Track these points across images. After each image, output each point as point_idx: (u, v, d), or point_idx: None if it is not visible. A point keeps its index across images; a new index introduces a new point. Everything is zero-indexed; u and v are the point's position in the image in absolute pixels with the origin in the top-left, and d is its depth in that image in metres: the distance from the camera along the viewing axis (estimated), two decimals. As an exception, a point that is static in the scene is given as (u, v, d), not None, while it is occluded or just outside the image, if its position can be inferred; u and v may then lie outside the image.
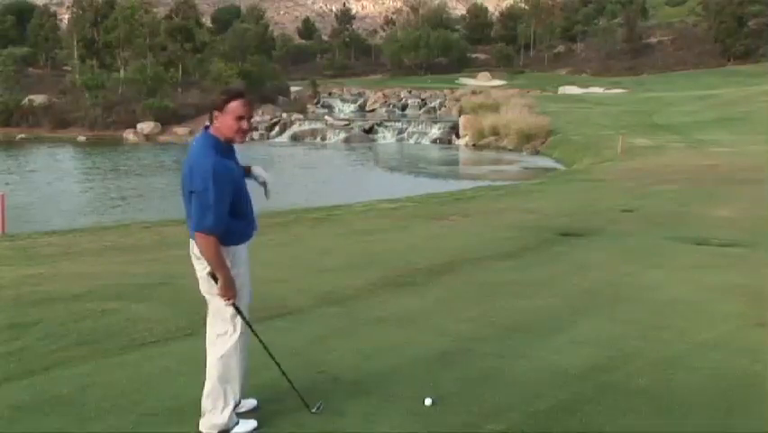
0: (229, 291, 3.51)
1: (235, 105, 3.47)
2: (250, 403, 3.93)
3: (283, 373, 3.82)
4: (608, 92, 70.27)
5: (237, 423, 3.67)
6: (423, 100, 71.65)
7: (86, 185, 29.49)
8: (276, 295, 6.30)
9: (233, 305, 3.57)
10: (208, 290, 3.59)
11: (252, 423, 3.72)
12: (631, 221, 11.33)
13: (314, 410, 3.77)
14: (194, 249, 3.58)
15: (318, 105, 72.28)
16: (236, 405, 3.71)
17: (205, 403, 3.63)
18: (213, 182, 3.35)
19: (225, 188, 3.41)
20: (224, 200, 3.40)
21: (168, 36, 62.49)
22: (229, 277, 3.49)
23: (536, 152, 34.91)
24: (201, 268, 3.57)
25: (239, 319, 3.63)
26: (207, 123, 3.60)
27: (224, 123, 3.49)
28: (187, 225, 3.59)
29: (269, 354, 3.74)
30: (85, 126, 50.99)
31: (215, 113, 3.50)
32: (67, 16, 77.15)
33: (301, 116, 54.98)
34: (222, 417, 3.61)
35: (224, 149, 3.51)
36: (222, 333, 3.63)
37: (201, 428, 3.63)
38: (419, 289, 6.86)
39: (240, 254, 3.62)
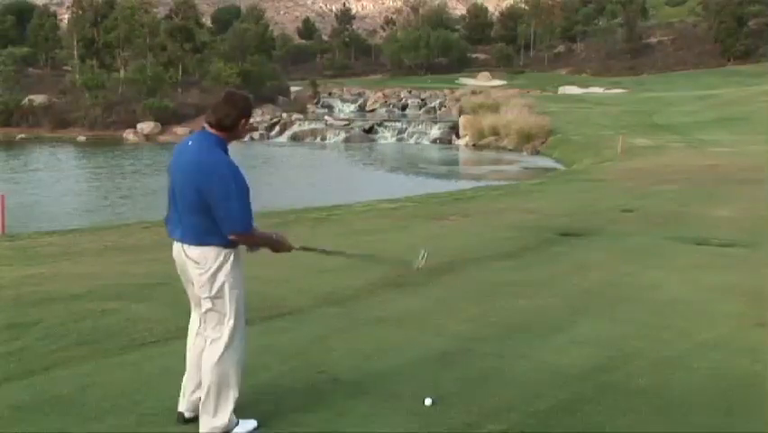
0: (283, 246, 3.71)
1: (251, 115, 3.69)
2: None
3: None
4: (608, 92, 70.24)
5: (237, 423, 3.66)
6: (423, 100, 71.66)
7: (87, 185, 29.51)
8: (276, 295, 6.29)
9: (301, 247, 3.83)
10: (208, 294, 3.54)
11: (252, 423, 3.71)
12: (631, 221, 11.32)
13: None
14: (189, 254, 3.53)
15: (318, 105, 72.26)
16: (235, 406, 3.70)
17: (203, 406, 3.62)
18: (234, 182, 3.39)
19: (245, 186, 3.45)
20: (247, 197, 3.45)
21: (168, 36, 62.48)
22: (273, 239, 3.68)
23: (536, 152, 34.91)
24: (199, 273, 3.53)
25: (231, 323, 3.58)
26: (207, 123, 3.55)
27: (246, 126, 3.60)
28: (174, 228, 3.59)
29: None
30: (85, 126, 50.97)
31: (243, 120, 3.54)
32: (67, 16, 77.02)
33: (301, 116, 54.97)
34: (221, 419, 3.59)
35: (226, 150, 3.55)
36: (215, 337, 3.60)
37: (201, 431, 3.62)
38: (419, 289, 6.85)
39: (240, 255, 3.62)
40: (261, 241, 3.61)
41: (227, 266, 3.53)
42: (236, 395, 3.63)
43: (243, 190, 3.42)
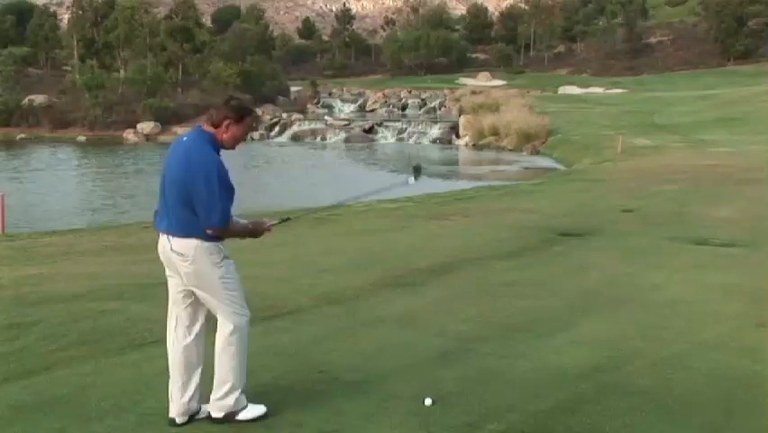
0: (259, 231, 3.81)
1: (249, 121, 3.74)
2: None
3: None
4: (608, 92, 70.20)
5: (245, 407, 3.76)
6: (423, 100, 71.71)
7: (87, 185, 29.51)
8: (276, 295, 6.29)
9: (279, 221, 3.93)
10: (197, 284, 3.65)
11: (261, 408, 3.81)
12: (631, 221, 11.33)
13: None
14: (173, 246, 3.62)
15: (318, 105, 72.29)
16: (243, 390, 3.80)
17: (214, 387, 3.74)
18: (218, 180, 3.50)
19: (229, 185, 3.58)
20: (229, 196, 3.58)
21: (168, 36, 62.40)
22: (250, 228, 3.78)
23: (536, 152, 34.89)
24: (184, 264, 3.62)
25: (232, 309, 3.69)
26: (204, 123, 3.69)
27: (235, 133, 3.68)
28: (161, 220, 3.69)
29: None
30: (85, 126, 50.93)
31: (227, 121, 3.63)
32: (67, 16, 76.97)
33: (301, 116, 54.99)
34: (228, 400, 3.71)
35: (218, 149, 3.65)
36: (221, 323, 3.73)
37: (209, 408, 3.75)
38: (419, 289, 6.86)
39: (225, 247, 3.72)
40: (240, 233, 3.75)
41: (213, 258, 3.62)
42: (243, 379, 3.75)
43: (226, 190, 3.55)
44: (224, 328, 3.71)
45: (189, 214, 3.54)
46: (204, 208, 3.51)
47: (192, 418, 3.77)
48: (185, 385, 3.75)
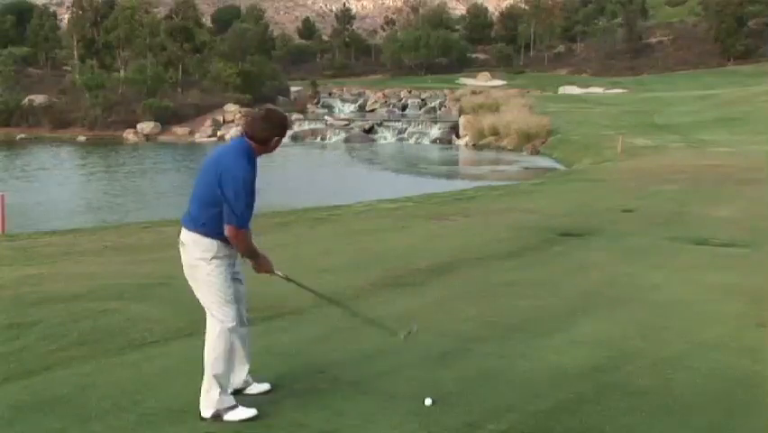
0: (264, 268, 3.95)
1: (285, 134, 4.01)
2: (262, 387, 4.15)
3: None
4: (608, 92, 70.16)
5: (234, 407, 3.81)
6: (423, 100, 71.68)
7: (87, 185, 29.53)
8: (276, 295, 6.27)
9: (284, 276, 4.12)
10: (192, 275, 3.85)
11: (251, 411, 3.82)
12: (631, 221, 11.32)
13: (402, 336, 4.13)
14: (180, 235, 3.90)
15: (318, 106, 72.27)
16: (231, 390, 3.92)
17: (203, 387, 3.83)
18: (243, 190, 3.72)
19: (251, 195, 3.79)
20: (249, 204, 3.80)
21: (168, 36, 62.44)
22: (262, 257, 3.93)
23: (536, 152, 34.91)
24: (185, 257, 3.87)
25: (214, 311, 3.82)
26: (243, 132, 3.89)
27: (277, 145, 3.91)
28: (187, 211, 3.90)
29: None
30: (85, 126, 50.98)
31: (276, 138, 3.86)
32: (67, 16, 76.97)
33: (301, 116, 55.02)
34: (212, 400, 3.79)
35: (254, 159, 3.85)
36: (210, 321, 3.87)
37: (200, 408, 3.81)
38: (419, 289, 6.85)
39: (222, 250, 3.86)
40: (250, 249, 3.87)
41: (204, 253, 3.79)
42: (225, 382, 3.83)
43: (249, 196, 3.75)
44: (209, 329, 3.86)
45: (200, 209, 3.79)
46: (227, 209, 3.73)
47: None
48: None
